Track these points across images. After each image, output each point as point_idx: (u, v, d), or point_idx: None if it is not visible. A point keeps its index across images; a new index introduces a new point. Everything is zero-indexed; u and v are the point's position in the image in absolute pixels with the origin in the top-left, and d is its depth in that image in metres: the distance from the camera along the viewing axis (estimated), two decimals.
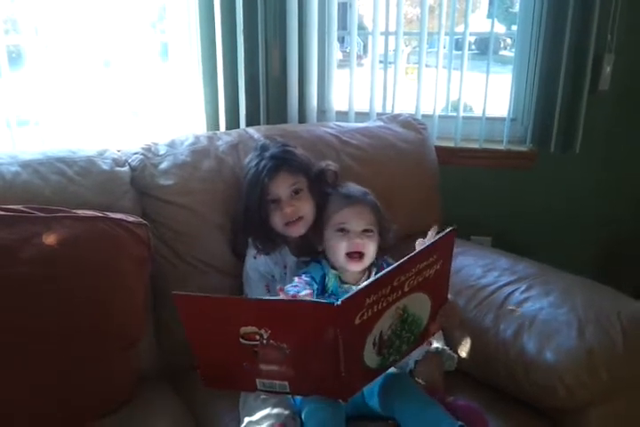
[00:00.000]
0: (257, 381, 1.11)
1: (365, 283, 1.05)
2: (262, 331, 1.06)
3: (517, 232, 2.16)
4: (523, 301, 1.36)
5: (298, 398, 1.22)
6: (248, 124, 2.16)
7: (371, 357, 1.09)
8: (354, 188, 1.43)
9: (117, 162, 1.48)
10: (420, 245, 1.19)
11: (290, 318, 1.05)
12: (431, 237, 1.20)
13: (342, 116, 2.23)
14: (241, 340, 1.07)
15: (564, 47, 1.96)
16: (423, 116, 2.17)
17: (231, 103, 2.15)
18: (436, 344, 1.31)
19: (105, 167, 1.44)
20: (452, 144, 2.15)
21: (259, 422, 1.16)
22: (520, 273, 1.48)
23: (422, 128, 1.87)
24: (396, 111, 2.19)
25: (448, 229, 1.15)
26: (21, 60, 1.77)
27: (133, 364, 1.29)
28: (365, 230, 1.34)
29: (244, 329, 1.07)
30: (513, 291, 1.40)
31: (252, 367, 1.09)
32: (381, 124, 1.86)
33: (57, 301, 1.19)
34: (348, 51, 2.39)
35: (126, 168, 1.48)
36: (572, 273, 1.57)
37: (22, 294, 1.16)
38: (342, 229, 1.33)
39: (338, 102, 2.26)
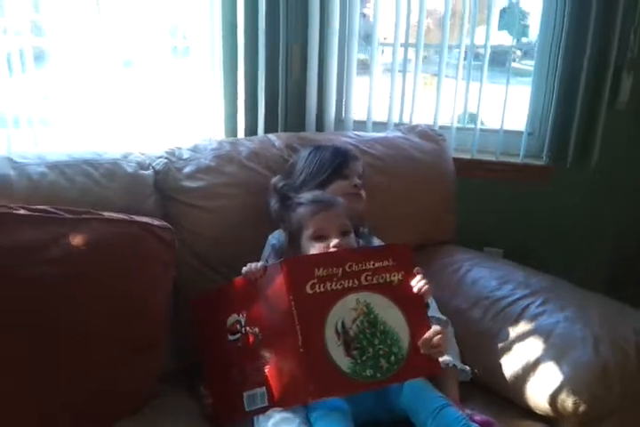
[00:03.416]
0: (244, 395, 1.21)
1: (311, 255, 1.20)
2: (240, 316, 1.24)
3: (530, 245, 2.16)
4: (539, 314, 1.38)
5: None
6: (266, 128, 2.18)
7: (338, 354, 1.13)
8: (319, 192, 1.41)
9: (142, 165, 1.50)
10: None
11: (254, 292, 1.22)
12: None
13: (360, 125, 2.24)
14: (228, 336, 1.25)
15: (583, 62, 1.97)
16: (440, 127, 2.18)
17: (250, 108, 2.17)
18: (448, 358, 1.33)
19: (129, 170, 1.46)
20: (468, 156, 2.16)
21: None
22: (534, 287, 1.49)
23: (441, 139, 1.89)
24: (414, 122, 2.21)
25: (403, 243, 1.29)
26: (43, 60, 1.80)
27: (154, 366, 1.30)
28: (343, 232, 1.31)
29: (229, 320, 1.26)
30: (529, 304, 1.42)
31: (240, 375, 1.22)
32: (399, 134, 1.88)
33: (81, 301, 1.20)
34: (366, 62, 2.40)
35: (150, 171, 1.50)
36: (585, 287, 1.58)
37: (47, 294, 1.18)
38: (320, 237, 1.30)
39: (356, 111, 2.28)
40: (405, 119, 2.26)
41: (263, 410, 1.19)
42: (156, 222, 1.33)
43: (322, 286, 1.16)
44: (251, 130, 2.17)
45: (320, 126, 2.28)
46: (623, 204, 2.09)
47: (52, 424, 1.20)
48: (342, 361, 1.14)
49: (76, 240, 1.22)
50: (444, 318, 1.39)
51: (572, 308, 1.38)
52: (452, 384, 1.32)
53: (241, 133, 2.17)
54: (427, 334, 1.20)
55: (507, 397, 1.34)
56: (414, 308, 1.22)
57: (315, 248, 1.30)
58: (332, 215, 1.32)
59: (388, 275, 1.22)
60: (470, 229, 1.96)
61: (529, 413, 1.29)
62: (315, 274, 1.16)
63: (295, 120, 2.22)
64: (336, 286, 1.17)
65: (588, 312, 1.36)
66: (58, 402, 1.19)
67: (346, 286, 1.18)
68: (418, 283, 1.24)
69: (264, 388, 1.19)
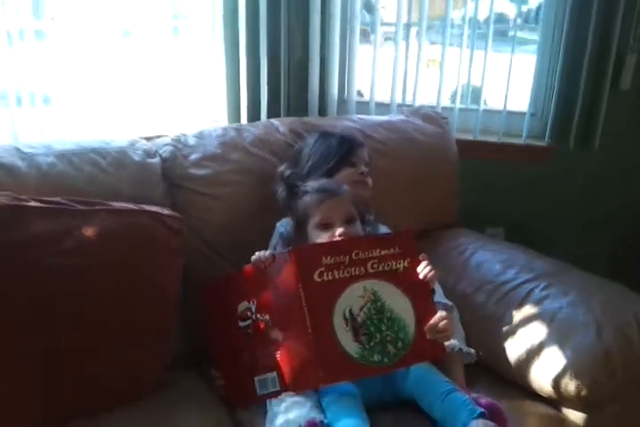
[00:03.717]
0: (255, 380, 1.24)
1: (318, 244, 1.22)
2: (251, 304, 1.27)
3: (532, 226, 2.18)
4: (542, 299, 1.40)
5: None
6: (269, 110, 2.18)
7: (347, 340, 1.16)
8: (325, 181, 1.42)
9: (148, 153, 1.51)
10: None
11: (263, 280, 1.25)
12: None
13: (363, 106, 2.24)
14: (239, 322, 1.28)
15: (587, 43, 1.97)
16: (443, 108, 2.18)
17: (252, 89, 2.16)
18: (454, 342, 1.35)
19: (137, 159, 1.47)
20: (470, 137, 2.17)
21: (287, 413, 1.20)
22: (537, 271, 1.51)
23: (444, 122, 1.90)
24: (417, 103, 2.21)
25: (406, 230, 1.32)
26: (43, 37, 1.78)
27: (164, 350, 1.32)
28: (348, 220, 1.33)
29: (239, 307, 1.28)
30: (532, 289, 1.44)
31: (250, 360, 1.25)
32: (403, 117, 1.88)
33: (94, 290, 1.23)
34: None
35: (157, 159, 1.51)
36: (588, 267, 1.61)
37: (61, 285, 1.20)
38: (326, 225, 1.32)
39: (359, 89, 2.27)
40: (408, 99, 2.26)
41: (275, 394, 1.22)
42: (165, 212, 1.34)
43: (329, 274, 1.18)
44: (253, 112, 2.16)
45: (323, 107, 2.28)
46: (626, 184, 2.11)
47: (69, 406, 1.23)
48: (351, 347, 1.16)
49: (88, 232, 1.24)
50: (450, 303, 1.42)
51: (574, 292, 1.41)
52: (458, 368, 1.35)
53: (244, 115, 2.17)
54: (432, 320, 1.22)
55: (511, 379, 1.37)
56: (420, 294, 1.25)
57: (320, 237, 1.31)
58: (337, 204, 1.33)
59: (393, 262, 1.24)
60: (472, 210, 1.98)
61: (533, 394, 1.32)
62: (322, 262, 1.18)
63: (298, 102, 2.21)
64: (343, 273, 1.19)
65: (590, 297, 1.39)
66: (73, 386, 1.22)
67: (353, 273, 1.20)
68: (423, 269, 1.26)
69: (275, 373, 1.22)
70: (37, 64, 1.70)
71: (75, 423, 1.19)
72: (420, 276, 1.25)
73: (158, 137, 1.78)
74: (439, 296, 1.41)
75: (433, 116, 1.89)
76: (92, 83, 1.87)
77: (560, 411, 1.30)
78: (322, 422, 1.15)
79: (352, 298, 1.19)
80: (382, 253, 1.23)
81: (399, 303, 1.22)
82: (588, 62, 1.99)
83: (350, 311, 1.18)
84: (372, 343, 1.18)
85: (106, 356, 1.24)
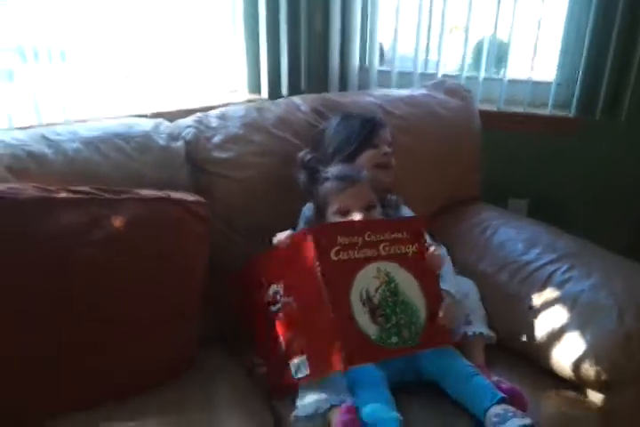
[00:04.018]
0: (290, 365, 1.25)
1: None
2: (278, 287, 1.28)
3: (556, 198, 2.17)
4: (564, 281, 1.41)
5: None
6: (290, 82, 2.16)
7: (365, 321, 1.16)
8: (345, 166, 1.42)
9: (172, 136, 1.51)
10: None
11: (285, 261, 1.27)
12: None
13: (385, 75, 2.21)
14: (270, 307, 1.30)
15: (618, 8, 1.90)
16: (467, 78, 2.15)
17: (272, 60, 2.14)
18: (474, 328, 1.38)
19: (161, 142, 1.48)
20: (494, 108, 2.14)
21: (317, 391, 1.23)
22: (560, 251, 1.51)
23: (467, 94, 1.87)
24: (440, 72, 2.17)
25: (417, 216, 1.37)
26: None
27: (192, 332, 1.36)
28: (368, 208, 1.34)
29: (269, 291, 1.30)
30: (555, 270, 1.44)
31: (284, 344, 1.27)
32: (425, 91, 1.86)
33: (122, 278, 1.26)
34: None
35: (181, 142, 1.52)
36: (610, 243, 1.60)
37: (90, 274, 1.23)
38: (344, 212, 1.33)
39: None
40: (431, 69, 2.22)
41: (306, 378, 1.23)
42: (190, 198, 1.36)
43: (345, 253, 1.19)
44: (274, 82, 2.15)
45: (344, 77, 2.25)
46: None
47: (100, 390, 1.28)
48: (370, 328, 1.17)
49: (117, 221, 1.26)
50: (452, 290, 1.38)
51: (596, 274, 1.41)
52: (479, 351, 1.37)
53: (264, 85, 2.16)
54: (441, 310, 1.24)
55: (531, 359, 1.39)
56: (429, 280, 1.26)
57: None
58: (357, 191, 1.34)
59: (403, 247, 1.25)
60: (496, 181, 1.98)
61: (552, 374, 1.35)
62: (338, 241, 1.19)
63: (318, 72, 2.19)
64: (358, 254, 1.20)
65: (612, 279, 1.39)
66: (103, 370, 1.27)
67: (367, 254, 1.21)
68: (429, 257, 1.27)
69: (305, 356, 1.23)
70: (55, 19, 1.70)
71: (106, 407, 1.24)
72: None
73: (178, 111, 1.81)
74: (443, 283, 1.38)
75: (456, 89, 1.86)
76: (110, 58, 1.86)
77: (580, 391, 1.32)
78: (352, 405, 1.19)
79: (367, 279, 1.20)
80: (392, 236, 1.24)
81: (411, 287, 1.24)
82: (618, 29, 1.92)
83: (367, 292, 1.19)
84: (388, 325, 1.19)
85: (134, 340, 1.28)
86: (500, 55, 2.23)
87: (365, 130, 1.49)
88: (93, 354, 1.24)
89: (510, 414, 1.14)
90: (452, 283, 1.38)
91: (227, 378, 1.37)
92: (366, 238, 1.21)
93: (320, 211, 1.38)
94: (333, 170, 1.39)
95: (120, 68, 1.89)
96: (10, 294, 1.18)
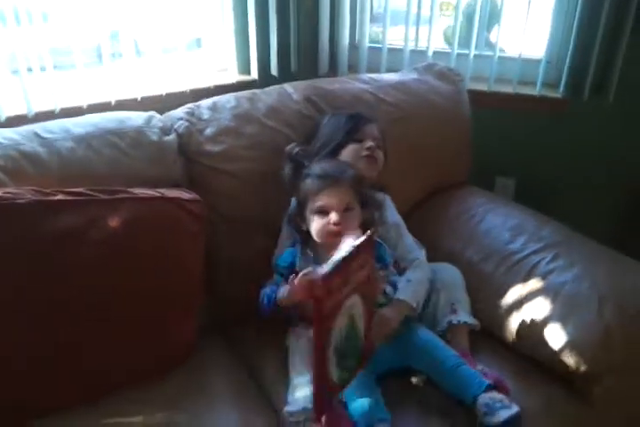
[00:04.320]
0: None
1: (332, 263, 1.02)
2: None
3: (543, 177, 2.21)
4: (548, 272, 1.45)
5: None
6: (280, 61, 2.15)
7: (333, 367, 1.09)
8: (329, 164, 1.40)
9: (164, 130, 1.52)
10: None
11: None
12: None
13: (375, 52, 2.20)
14: None
15: None
16: (458, 55, 2.14)
17: (262, 40, 2.12)
18: (459, 317, 1.43)
19: (154, 138, 1.49)
20: (485, 87, 2.14)
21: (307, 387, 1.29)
22: (546, 240, 1.55)
23: (457, 79, 1.88)
24: (431, 48, 2.16)
25: (367, 234, 1.14)
26: None
27: (190, 328, 1.41)
28: (346, 209, 1.33)
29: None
30: (539, 260, 1.48)
31: None
32: (416, 76, 1.86)
33: (120, 278, 1.29)
34: None
35: (173, 136, 1.53)
36: (596, 225, 1.65)
37: (88, 274, 1.26)
38: (322, 211, 1.33)
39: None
40: (422, 44, 2.21)
41: None
42: (185, 196, 1.38)
43: (332, 298, 1.04)
44: (263, 62, 2.14)
45: (333, 53, 2.24)
46: (637, 139, 2.10)
47: (99, 381, 1.33)
48: (335, 373, 1.11)
49: (113, 222, 1.28)
50: (408, 300, 1.37)
51: (581, 264, 1.45)
52: (464, 339, 1.43)
53: (254, 67, 2.15)
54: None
55: (513, 347, 1.46)
56: (369, 298, 1.19)
57: (315, 222, 1.34)
58: (336, 192, 1.33)
59: (360, 271, 1.12)
60: (484, 159, 2.00)
61: (534, 363, 1.41)
62: (331, 288, 1.03)
63: (308, 49, 2.17)
64: (338, 296, 1.06)
65: (596, 270, 1.43)
66: (105, 362, 1.32)
67: (344, 292, 1.07)
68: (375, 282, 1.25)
69: None
70: None
71: (106, 399, 1.29)
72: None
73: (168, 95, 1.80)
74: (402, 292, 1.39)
75: (447, 74, 1.86)
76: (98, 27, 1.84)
77: (560, 378, 1.39)
78: (339, 400, 1.25)
79: (339, 322, 1.09)
80: (358, 262, 1.11)
81: (359, 310, 1.15)
82: (608, 5, 1.91)
83: (337, 339, 1.09)
84: (345, 362, 1.14)
85: (132, 338, 1.33)
86: (490, 26, 2.22)
87: (349, 125, 1.50)
88: (90, 353, 1.28)
89: (498, 405, 1.20)
90: (413, 293, 1.39)
91: (223, 370, 1.42)
92: (350, 271, 1.08)
93: (301, 207, 1.39)
94: (315, 167, 1.39)
95: (107, 47, 1.87)
96: (9, 296, 1.21)
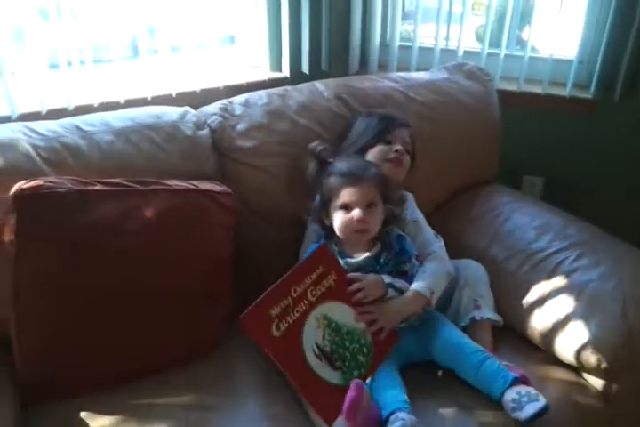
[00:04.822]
0: None
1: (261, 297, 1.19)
2: None
3: (570, 177, 2.21)
4: (572, 271, 1.46)
5: None
6: (311, 59, 2.19)
7: (328, 373, 1.22)
8: (353, 162, 1.43)
9: (198, 125, 1.57)
10: None
11: None
12: None
13: (405, 50, 2.22)
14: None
15: None
16: (489, 54, 2.15)
17: (294, 38, 2.15)
18: (482, 313, 1.45)
19: (188, 132, 1.53)
20: (514, 87, 2.15)
21: None
22: (572, 239, 1.56)
23: (487, 80, 1.89)
24: (462, 47, 2.17)
25: (316, 246, 1.33)
26: None
27: (221, 314, 1.45)
28: (369, 205, 1.37)
29: None
30: (564, 259, 1.50)
31: None
32: (446, 75, 1.88)
33: (154, 267, 1.35)
34: None
35: (206, 131, 1.57)
36: (623, 227, 1.65)
37: (123, 262, 1.32)
38: (346, 207, 1.37)
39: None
40: (452, 44, 2.23)
41: None
42: (217, 189, 1.43)
43: (284, 322, 1.20)
44: (295, 59, 2.18)
45: (364, 53, 2.27)
46: None
47: (138, 359, 1.38)
48: (334, 377, 1.23)
49: (148, 212, 1.33)
50: (404, 286, 1.39)
51: (606, 263, 1.46)
52: (487, 335, 1.45)
53: (286, 65, 2.18)
54: (354, 314, 1.30)
55: (535, 344, 1.47)
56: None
57: (338, 218, 1.38)
58: (359, 189, 1.36)
59: (325, 281, 1.28)
60: (511, 159, 2.01)
61: (555, 359, 1.43)
62: (272, 315, 1.19)
63: (339, 47, 2.20)
64: (295, 315, 1.22)
65: (621, 269, 1.44)
66: (139, 350, 1.37)
67: (301, 310, 1.23)
68: (356, 294, 1.32)
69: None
70: None
71: (139, 382, 1.34)
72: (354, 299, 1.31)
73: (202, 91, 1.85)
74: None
75: (476, 74, 1.88)
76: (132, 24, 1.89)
77: (580, 376, 1.41)
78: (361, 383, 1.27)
79: (312, 333, 1.23)
80: (313, 277, 1.26)
81: (347, 314, 1.29)
82: None
83: (317, 345, 1.23)
84: (346, 363, 1.25)
85: (167, 323, 1.38)
86: (522, 25, 2.23)
87: (381, 126, 1.53)
88: (124, 338, 1.34)
89: (525, 400, 1.22)
90: (426, 282, 1.39)
91: (250, 358, 1.45)
92: (293, 295, 1.23)
93: (324, 203, 1.42)
94: (339, 165, 1.42)
95: (144, 43, 1.92)
96: (46, 280, 1.28)
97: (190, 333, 1.42)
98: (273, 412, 1.30)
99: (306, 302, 1.24)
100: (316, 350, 1.23)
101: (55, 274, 1.27)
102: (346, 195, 1.36)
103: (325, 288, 1.27)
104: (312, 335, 1.23)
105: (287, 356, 1.20)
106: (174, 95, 1.95)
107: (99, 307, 1.31)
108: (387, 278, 1.37)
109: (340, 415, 1.19)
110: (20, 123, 1.46)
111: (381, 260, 1.41)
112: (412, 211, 1.54)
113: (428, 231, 1.53)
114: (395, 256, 1.42)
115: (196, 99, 1.88)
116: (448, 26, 2.21)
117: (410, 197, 1.57)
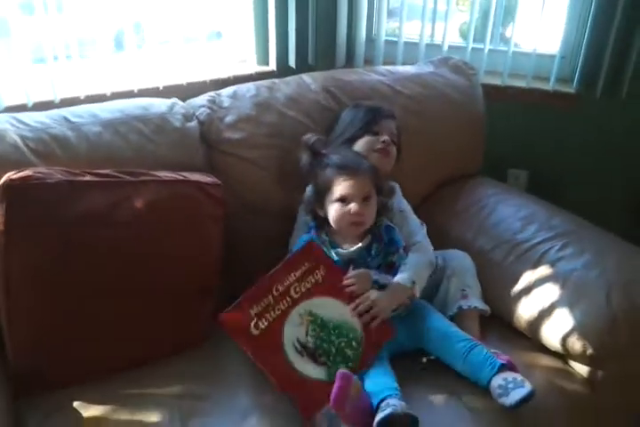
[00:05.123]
0: None
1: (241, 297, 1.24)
2: None
3: (554, 169, 2.24)
4: (557, 260, 1.49)
5: None
6: (298, 53, 2.19)
7: (311, 369, 1.25)
8: (348, 155, 1.45)
9: (186, 117, 1.57)
10: None
11: None
12: None
13: (391, 45, 2.24)
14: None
15: None
16: (473, 49, 2.18)
17: (281, 32, 2.16)
18: (469, 302, 1.47)
19: (177, 124, 1.54)
20: (499, 81, 2.18)
21: None
22: (556, 229, 1.58)
23: (472, 73, 1.91)
24: (446, 42, 2.20)
25: (304, 241, 1.37)
26: None
27: (209, 306, 1.45)
28: (365, 198, 1.38)
29: None
30: (548, 249, 1.52)
31: None
32: (432, 69, 1.89)
33: (143, 258, 1.35)
34: None
35: (194, 123, 1.58)
36: (604, 218, 1.68)
37: (113, 253, 1.32)
38: (342, 200, 1.38)
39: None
40: (437, 39, 2.25)
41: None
42: (206, 180, 1.43)
43: (264, 320, 1.24)
44: (281, 53, 2.19)
45: (351, 46, 2.28)
46: None
47: (126, 350, 1.38)
48: (319, 373, 1.25)
49: (138, 203, 1.33)
50: (388, 281, 1.41)
51: (590, 252, 1.49)
52: (474, 324, 1.46)
53: (273, 59, 2.19)
54: (351, 305, 1.32)
55: (521, 332, 1.50)
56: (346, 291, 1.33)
57: (335, 210, 1.39)
58: (356, 182, 1.37)
59: (311, 276, 1.30)
60: (496, 152, 2.04)
61: (541, 347, 1.45)
62: (251, 314, 1.23)
63: (325, 41, 2.22)
64: (275, 313, 1.25)
65: (604, 258, 1.47)
66: (129, 342, 1.38)
67: (283, 308, 1.26)
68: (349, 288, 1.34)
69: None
70: None
71: (128, 373, 1.35)
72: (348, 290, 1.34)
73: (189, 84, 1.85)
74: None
75: (461, 68, 1.90)
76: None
77: (566, 363, 1.43)
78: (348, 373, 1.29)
79: (293, 330, 1.26)
80: (297, 274, 1.29)
81: (336, 309, 1.31)
82: (623, 2, 1.94)
83: (299, 342, 1.26)
84: (331, 358, 1.27)
85: (156, 314, 1.38)
86: (505, 22, 2.25)
87: (368, 117, 1.54)
88: (113, 329, 1.34)
89: (511, 386, 1.23)
90: (408, 274, 1.41)
91: (237, 350, 1.45)
92: (275, 293, 1.26)
93: (319, 194, 1.43)
94: (335, 157, 1.43)
95: (130, 38, 1.92)
96: (36, 270, 1.27)
97: (180, 324, 1.42)
98: (263, 401, 1.31)
99: (288, 299, 1.27)
100: (298, 347, 1.26)
101: (45, 265, 1.27)
102: (343, 187, 1.38)
103: (311, 284, 1.30)
104: (293, 332, 1.26)
105: (266, 353, 1.24)
106: (161, 88, 1.96)
107: (89, 298, 1.31)
108: (375, 275, 1.39)
109: (324, 407, 1.21)
110: (8, 114, 1.46)
111: (372, 251, 1.42)
112: (399, 201, 1.56)
113: (414, 221, 1.55)
114: (384, 247, 1.44)
115: (183, 92, 1.88)
116: (433, 23, 2.23)
117: (397, 187, 1.58)
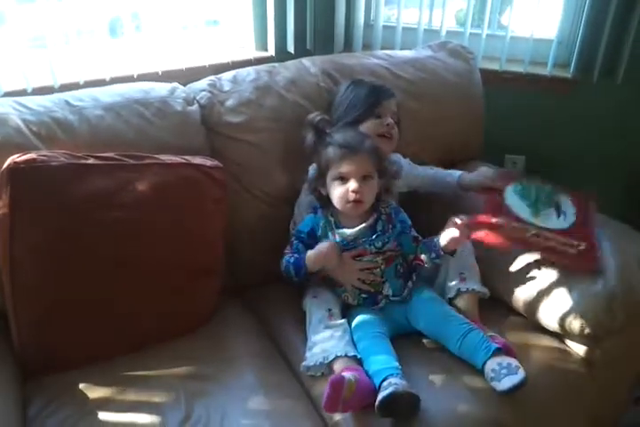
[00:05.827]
0: None
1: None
2: None
3: (551, 155, 2.25)
4: None
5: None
6: (296, 38, 2.19)
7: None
8: (350, 134, 1.46)
9: (187, 101, 1.58)
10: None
11: None
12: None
13: (389, 30, 2.24)
14: None
15: None
16: (471, 34, 2.18)
17: (279, 17, 2.16)
18: (467, 284, 1.48)
19: (178, 108, 1.54)
20: (496, 67, 2.18)
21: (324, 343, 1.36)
22: None
23: (470, 57, 1.92)
24: (444, 27, 2.20)
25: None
26: None
27: (213, 287, 1.48)
28: (365, 177, 1.40)
29: None
30: None
31: None
32: (430, 53, 1.90)
33: (147, 240, 1.36)
34: None
35: (195, 106, 1.58)
36: (601, 202, 1.70)
37: (118, 236, 1.33)
38: (342, 178, 1.40)
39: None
40: (435, 24, 2.25)
41: None
42: (208, 163, 1.44)
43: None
44: (280, 39, 2.19)
45: (349, 32, 2.28)
46: None
47: (132, 331, 1.40)
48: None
49: (141, 185, 1.34)
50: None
51: None
52: (473, 306, 1.47)
53: (271, 44, 2.19)
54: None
55: (520, 313, 1.52)
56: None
57: (335, 188, 1.41)
58: (356, 161, 1.39)
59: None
60: (493, 137, 2.05)
61: (539, 328, 1.47)
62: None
63: (324, 26, 2.21)
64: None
65: (602, 239, 1.48)
66: (135, 314, 1.39)
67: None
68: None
69: None
70: None
71: (135, 354, 1.37)
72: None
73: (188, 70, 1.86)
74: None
75: (460, 52, 1.91)
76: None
77: (563, 343, 1.46)
78: (355, 356, 1.32)
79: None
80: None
81: None
82: None
83: None
84: None
85: (161, 295, 1.40)
86: (502, 9, 2.26)
87: (371, 99, 1.56)
88: (119, 309, 1.36)
89: (504, 372, 1.25)
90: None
91: (243, 330, 1.49)
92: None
93: (321, 173, 1.45)
94: (337, 136, 1.44)
95: (129, 21, 1.92)
96: (40, 251, 1.29)
97: (184, 305, 1.44)
98: (268, 381, 1.33)
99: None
100: None
101: (50, 247, 1.28)
102: (343, 166, 1.39)
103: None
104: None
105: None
106: (160, 73, 1.95)
107: (94, 279, 1.32)
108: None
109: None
110: (10, 98, 1.46)
111: (377, 230, 1.44)
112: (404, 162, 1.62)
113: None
114: (396, 227, 1.47)
115: (182, 77, 1.87)
116: (431, 9, 2.23)
117: (398, 155, 1.62)
